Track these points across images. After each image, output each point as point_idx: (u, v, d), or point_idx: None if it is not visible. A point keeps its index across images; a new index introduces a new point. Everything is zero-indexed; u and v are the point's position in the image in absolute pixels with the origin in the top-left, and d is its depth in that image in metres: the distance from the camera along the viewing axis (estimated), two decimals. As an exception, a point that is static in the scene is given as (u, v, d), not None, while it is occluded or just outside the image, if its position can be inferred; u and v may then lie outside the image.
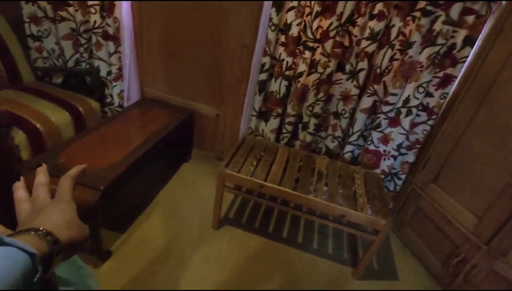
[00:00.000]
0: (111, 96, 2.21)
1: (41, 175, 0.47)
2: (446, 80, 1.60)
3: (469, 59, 1.53)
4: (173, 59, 2.07)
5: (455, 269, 1.55)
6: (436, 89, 1.63)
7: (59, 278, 0.54)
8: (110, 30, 1.94)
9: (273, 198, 1.68)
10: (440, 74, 1.59)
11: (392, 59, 1.61)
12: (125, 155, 1.49)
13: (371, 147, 1.86)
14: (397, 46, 1.58)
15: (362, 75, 1.66)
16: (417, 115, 1.73)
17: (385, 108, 1.72)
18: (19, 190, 0.45)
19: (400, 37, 1.55)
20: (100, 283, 1.33)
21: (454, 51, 1.51)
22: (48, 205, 0.42)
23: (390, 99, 1.68)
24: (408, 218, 1.87)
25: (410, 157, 1.85)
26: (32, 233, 0.35)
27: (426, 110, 1.71)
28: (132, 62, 2.04)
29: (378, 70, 1.63)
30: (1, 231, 0.40)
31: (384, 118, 1.76)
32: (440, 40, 1.48)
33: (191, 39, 1.96)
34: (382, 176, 1.89)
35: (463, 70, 1.56)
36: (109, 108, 2.28)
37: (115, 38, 1.97)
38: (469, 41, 1.48)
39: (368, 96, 1.71)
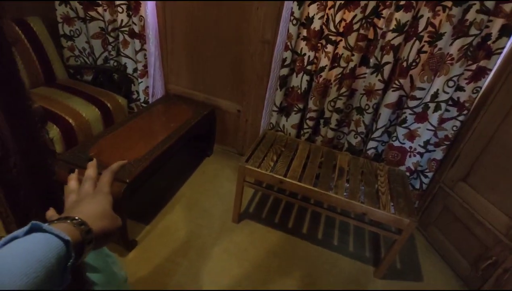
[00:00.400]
0: (137, 92, 2.29)
1: (90, 169, 0.51)
2: (479, 73, 1.50)
3: (505, 50, 1.42)
4: (196, 56, 2.10)
5: (485, 272, 1.47)
6: (468, 83, 1.54)
7: (87, 264, 0.58)
8: (136, 29, 2.00)
9: (293, 193, 1.68)
10: (473, 67, 1.50)
11: (419, 51, 1.54)
12: (150, 149, 1.55)
13: (396, 143, 1.80)
14: (425, 38, 1.50)
15: (387, 69, 1.60)
16: (447, 110, 1.64)
17: (412, 103, 1.65)
18: (71, 181, 0.50)
19: (429, 29, 1.47)
20: (126, 271, 1.41)
21: (489, 42, 1.42)
22: (88, 195, 0.47)
23: (417, 93, 1.61)
24: (435, 218, 1.80)
25: (438, 154, 1.77)
26: (68, 221, 0.38)
27: (456, 105, 1.63)
28: (156, 59, 2.10)
29: (405, 64, 1.56)
30: (51, 215, 0.45)
31: (410, 114, 1.69)
32: (473, 31, 1.39)
33: (213, 36, 1.98)
34: (408, 174, 1.82)
35: (498, 62, 1.46)
36: (135, 104, 2.37)
37: (141, 36, 2.04)
38: (506, 31, 1.38)
39: (393, 90, 1.64)
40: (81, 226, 0.38)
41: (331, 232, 1.83)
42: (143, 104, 2.29)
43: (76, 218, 0.39)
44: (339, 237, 1.80)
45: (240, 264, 1.54)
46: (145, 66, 2.14)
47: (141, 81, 2.19)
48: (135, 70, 2.20)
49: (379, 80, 1.65)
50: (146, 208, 1.78)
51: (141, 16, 1.96)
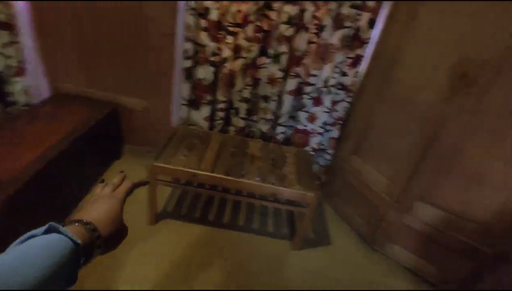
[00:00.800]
0: (13, 94, 1.92)
1: (116, 178, 0.57)
2: (357, 60, 1.75)
3: (374, 40, 1.69)
4: (91, 51, 1.87)
5: (376, 227, 1.76)
6: (349, 69, 1.78)
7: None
8: (2, 17, 1.66)
9: (213, 186, 1.68)
10: (352, 54, 1.74)
11: (309, 42, 1.70)
12: (32, 159, 1.33)
13: (300, 127, 1.97)
14: (312, 30, 1.67)
15: (284, 59, 1.73)
16: (337, 94, 1.87)
17: (308, 89, 1.82)
18: (98, 188, 0.56)
19: (315, 21, 1.64)
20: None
21: (360, 33, 1.66)
22: (104, 197, 0.51)
23: (311, 80, 1.79)
24: (337, 189, 2.05)
25: (335, 133, 2.00)
26: (81, 225, 0.42)
27: (344, 89, 1.86)
28: (37, 54, 1.80)
29: (298, 53, 1.71)
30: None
31: (309, 99, 1.86)
32: (348, 23, 1.60)
33: (109, 29, 1.79)
34: (313, 153, 2.02)
35: (369, 50, 1.72)
36: (14, 108, 1.99)
37: (10, 27, 1.71)
38: (372, 24, 1.63)
39: (292, 78, 1.79)
40: (93, 231, 0.43)
41: (251, 217, 1.91)
42: (24, 108, 1.93)
43: (89, 223, 0.43)
44: (259, 221, 1.89)
45: (159, 265, 1.47)
46: (21, 62, 1.81)
47: (17, 81, 1.84)
48: (7, 67, 1.83)
49: (278, 69, 1.77)
50: (43, 224, 1.53)
51: (8, 3, 1.63)
